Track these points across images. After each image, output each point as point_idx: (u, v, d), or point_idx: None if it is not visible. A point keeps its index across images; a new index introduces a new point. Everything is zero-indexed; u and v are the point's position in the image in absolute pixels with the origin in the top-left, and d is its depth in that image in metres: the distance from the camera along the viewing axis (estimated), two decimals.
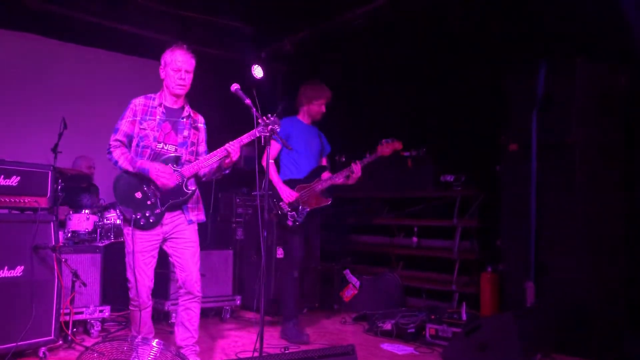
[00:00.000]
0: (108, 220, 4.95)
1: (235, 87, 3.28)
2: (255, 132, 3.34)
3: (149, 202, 3.30)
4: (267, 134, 3.31)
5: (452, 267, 5.31)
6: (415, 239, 5.72)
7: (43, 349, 3.62)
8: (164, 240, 3.39)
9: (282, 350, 3.99)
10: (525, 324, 3.67)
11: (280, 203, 4.41)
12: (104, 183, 6.03)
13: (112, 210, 5.01)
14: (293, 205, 4.41)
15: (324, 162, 4.80)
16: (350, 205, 6.44)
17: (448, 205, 5.40)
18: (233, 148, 3.28)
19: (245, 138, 3.34)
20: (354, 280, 5.64)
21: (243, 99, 3.22)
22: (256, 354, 3.02)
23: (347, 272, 5.74)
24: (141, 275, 3.28)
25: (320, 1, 5.93)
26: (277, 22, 6.48)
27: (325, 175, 4.59)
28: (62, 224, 4.84)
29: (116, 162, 3.35)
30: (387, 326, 4.57)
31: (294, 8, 6.07)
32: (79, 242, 4.76)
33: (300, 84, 4.68)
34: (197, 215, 3.48)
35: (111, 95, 6.87)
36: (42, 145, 5.25)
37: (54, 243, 3.72)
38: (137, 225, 3.27)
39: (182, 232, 3.40)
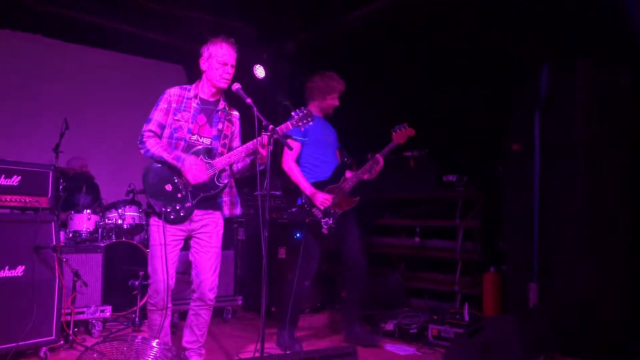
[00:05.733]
0: (109, 220, 4.95)
1: (236, 86, 3.26)
2: (288, 125, 3.31)
3: (179, 195, 3.23)
4: (300, 126, 3.30)
5: (454, 267, 5.29)
6: (417, 240, 5.70)
7: (44, 349, 3.61)
8: (189, 237, 3.33)
9: (284, 350, 4.00)
10: (528, 325, 3.65)
11: (313, 209, 4.10)
12: (105, 182, 6.06)
13: (113, 210, 5.01)
14: (326, 211, 4.10)
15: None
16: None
17: (450, 206, 5.38)
18: (266, 141, 3.14)
19: (278, 131, 3.25)
20: None
21: (244, 99, 3.19)
22: (257, 355, 3.00)
23: None
24: (163, 270, 3.18)
25: (322, 2, 5.92)
26: (280, 23, 6.47)
27: (349, 173, 4.28)
28: (63, 224, 4.84)
29: (147, 151, 3.23)
30: (390, 327, 4.56)
31: (297, 9, 6.07)
32: (80, 242, 4.76)
33: (305, 80, 4.43)
34: (232, 210, 3.42)
35: (113, 96, 6.93)
36: (43, 145, 5.25)
37: (55, 243, 3.71)
38: (167, 219, 3.19)
39: (207, 235, 3.34)
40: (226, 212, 3.41)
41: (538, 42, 4.73)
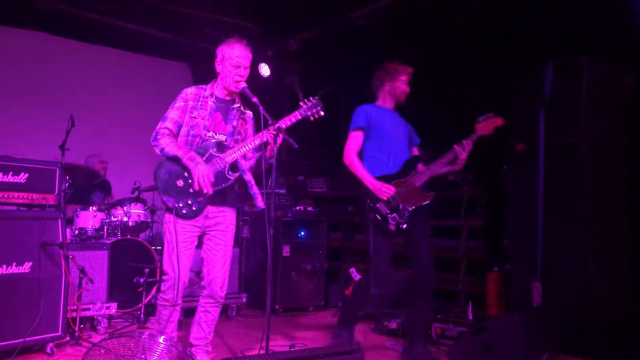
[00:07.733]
0: (115, 217, 4.98)
1: (242, 85, 3.28)
2: (296, 114, 3.27)
3: (191, 190, 3.21)
4: (309, 116, 3.26)
5: (458, 266, 5.30)
6: None
7: (50, 345, 3.64)
8: (203, 233, 3.33)
9: (289, 348, 4.01)
10: (532, 324, 3.65)
11: (377, 204, 3.75)
12: (110, 179, 6.09)
13: (119, 208, 5.03)
14: (392, 206, 3.76)
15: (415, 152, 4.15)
16: (356, 203, 6.42)
17: (454, 205, 5.38)
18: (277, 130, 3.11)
19: (286, 121, 3.25)
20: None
21: (250, 98, 3.20)
22: (262, 352, 3.02)
23: (352, 270, 5.72)
24: (179, 266, 3.18)
25: (326, 1, 5.92)
26: (284, 21, 6.48)
27: (421, 167, 3.94)
28: (69, 221, 4.87)
29: (162, 150, 3.22)
30: (393, 325, 4.58)
31: (300, 7, 6.07)
32: (86, 239, 4.79)
33: (374, 72, 4.13)
34: (264, 201, 3.34)
35: (118, 93, 6.95)
36: (49, 143, 5.27)
37: (61, 240, 3.73)
38: (179, 214, 3.18)
39: (220, 233, 3.34)
40: (261, 203, 3.32)
41: (542, 40, 4.72)
